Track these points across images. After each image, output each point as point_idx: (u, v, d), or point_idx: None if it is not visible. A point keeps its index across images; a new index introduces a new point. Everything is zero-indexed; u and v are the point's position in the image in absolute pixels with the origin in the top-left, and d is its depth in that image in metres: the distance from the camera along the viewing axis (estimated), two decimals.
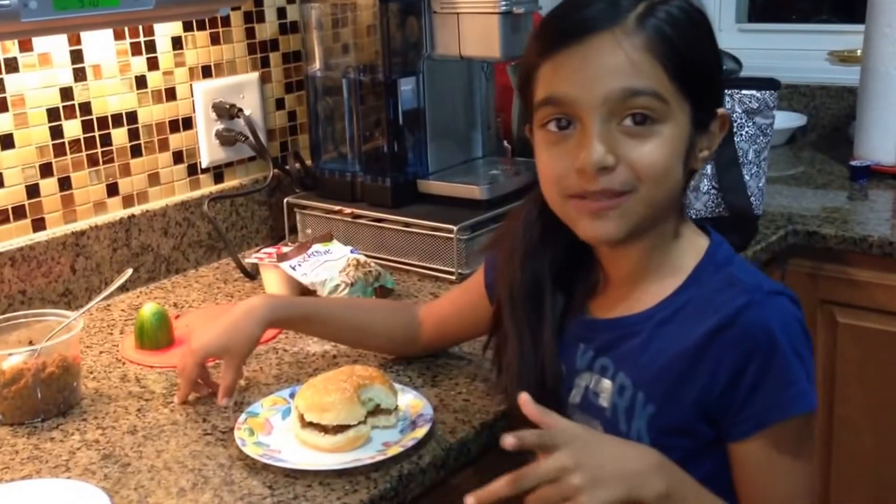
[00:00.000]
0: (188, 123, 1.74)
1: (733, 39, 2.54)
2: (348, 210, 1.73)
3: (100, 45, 1.59)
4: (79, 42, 1.56)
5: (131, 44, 1.63)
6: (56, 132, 1.55)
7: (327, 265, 1.53)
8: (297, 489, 1.04)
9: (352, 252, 1.58)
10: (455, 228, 1.58)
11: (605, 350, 1.04)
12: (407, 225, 1.65)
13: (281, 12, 1.86)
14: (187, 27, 1.71)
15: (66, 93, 1.55)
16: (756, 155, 1.72)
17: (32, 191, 1.53)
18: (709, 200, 1.68)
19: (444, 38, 1.65)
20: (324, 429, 1.09)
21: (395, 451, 1.07)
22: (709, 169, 1.64)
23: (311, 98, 1.81)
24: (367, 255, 1.61)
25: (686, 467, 0.94)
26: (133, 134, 1.66)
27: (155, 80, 1.68)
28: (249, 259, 1.67)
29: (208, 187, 1.79)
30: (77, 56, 1.56)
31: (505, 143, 1.91)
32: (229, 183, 1.82)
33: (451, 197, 1.68)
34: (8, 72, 1.48)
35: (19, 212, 1.52)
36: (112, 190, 1.64)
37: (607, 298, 1.07)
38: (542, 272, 1.07)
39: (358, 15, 1.73)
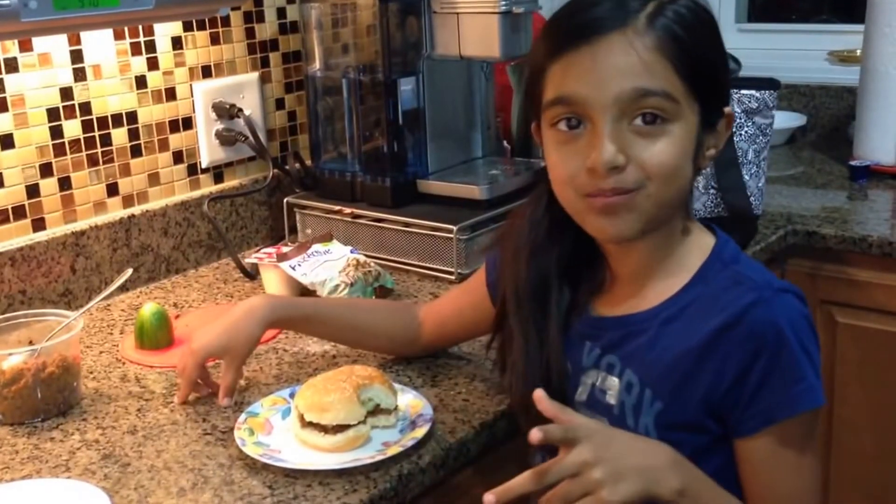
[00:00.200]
0: (188, 123, 1.74)
1: (733, 39, 2.52)
2: (348, 210, 1.73)
3: (100, 45, 1.59)
4: (79, 42, 1.56)
5: (131, 44, 1.63)
6: (56, 132, 1.55)
7: (327, 265, 1.53)
8: (296, 489, 1.04)
9: (352, 252, 1.58)
10: (455, 228, 1.58)
11: (612, 348, 1.04)
12: (407, 225, 1.65)
13: (281, 12, 1.86)
14: (187, 27, 1.71)
15: (66, 93, 1.56)
16: (756, 155, 1.73)
17: (32, 191, 1.54)
18: (708, 200, 1.69)
19: (443, 38, 1.65)
20: (324, 429, 1.09)
21: (394, 450, 1.07)
22: (708, 168, 1.64)
23: (311, 98, 1.81)
24: (366, 255, 1.61)
25: (694, 462, 0.95)
26: (133, 134, 1.66)
27: (155, 80, 1.68)
28: (249, 259, 1.67)
29: (208, 187, 1.79)
30: (77, 56, 1.56)
31: (505, 143, 1.91)
32: (229, 183, 1.82)
33: (451, 197, 1.68)
34: (8, 72, 1.48)
35: (19, 212, 1.52)
36: (112, 190, 1.64)
37: (613, 296, 1.07)
38: (548, 270, 1.07)
39: (358, 15, 1.73)
